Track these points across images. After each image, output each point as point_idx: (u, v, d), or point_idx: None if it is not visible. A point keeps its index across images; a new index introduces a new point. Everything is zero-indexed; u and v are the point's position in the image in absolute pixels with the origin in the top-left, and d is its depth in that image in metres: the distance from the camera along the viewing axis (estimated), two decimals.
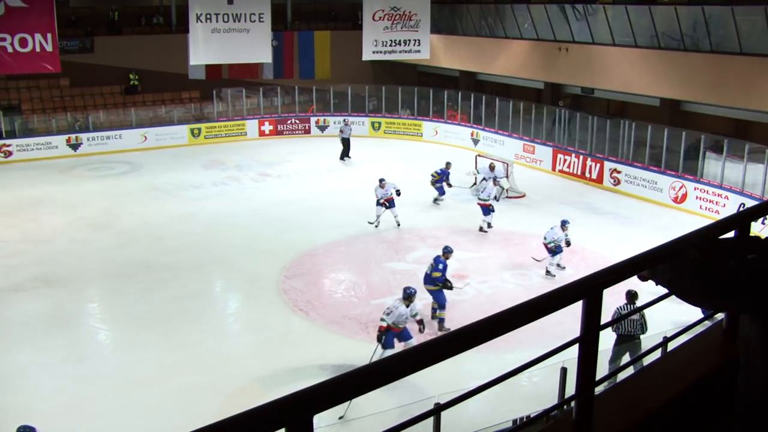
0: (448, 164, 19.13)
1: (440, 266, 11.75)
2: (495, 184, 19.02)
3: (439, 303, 11.86)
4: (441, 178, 18.79)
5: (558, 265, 13.96)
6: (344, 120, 25.67)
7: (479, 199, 16.93)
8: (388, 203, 16.72)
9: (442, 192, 18.89)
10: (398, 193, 16.76)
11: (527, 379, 9.58)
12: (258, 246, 15.79)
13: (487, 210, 16.67)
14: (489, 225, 16.70)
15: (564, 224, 13.87)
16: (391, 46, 24.40)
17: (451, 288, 11.84)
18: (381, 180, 16.96)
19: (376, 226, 16.78)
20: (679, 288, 2.04)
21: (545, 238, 13.86)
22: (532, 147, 23.12)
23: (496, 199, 19.21)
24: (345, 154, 23.99)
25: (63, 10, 25.52)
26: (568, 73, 23.12)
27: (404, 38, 24.47)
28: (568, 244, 13.86)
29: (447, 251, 12.06)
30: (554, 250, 13.80)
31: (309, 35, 26.45)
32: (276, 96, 27.85)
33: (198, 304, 13.04)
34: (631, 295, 9.71)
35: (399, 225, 16.86)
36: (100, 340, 12.23)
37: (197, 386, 10.06)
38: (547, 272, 14.02)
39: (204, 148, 25.64)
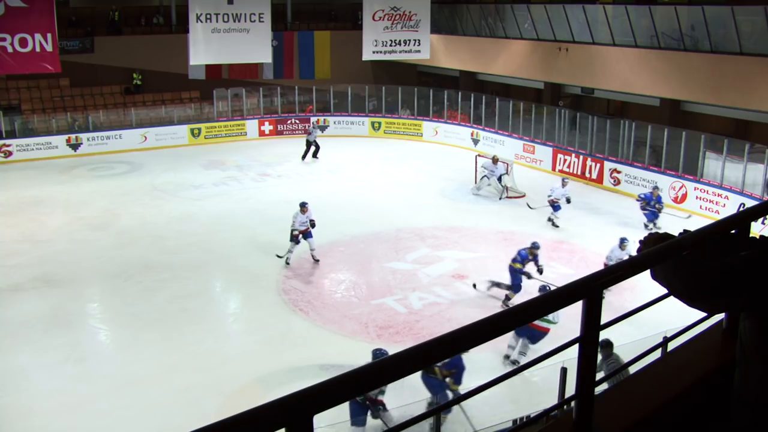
0: (655, 189, 17.23)
1: (518, 257, 12.71)
2: (500, 178, 19.28)
3: (512, 284, 12.73)
4: (648, 203, 16.93)
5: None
6: (313, 121, 25.53)
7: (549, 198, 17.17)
8: (304, 234, 14.52)
9: (654, 216, 16.92)
10: (313, 224, 14.49)
11: (527, 379, 9.57)
12: (258, 246, 15.79)
13: (557, 207, 17.00)
14: (553, 222, 17.07)
15: (622, 242, 13.10)
16: (391, 46, 24.41)
17: (529, 277, 12.69)
18: (303, 204, 14.56)
19: (288, 263, 14.51)
20: (675, 288, 2.04)
21: (608, 258, 13.29)
22: (532, 147, 23.12)
23: (500, 199, 19.24)
24: (306, 154, 23.68)
25: (63, 10, 25.54)
26: (568, 73, 23.12)
27: (404, 38, 24.48)
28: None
29: (532, 246, 12.78)
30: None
31: (309, 35, 26.46)
32: (276, 96, 27.86)
33: (198, 304, 13.04)
34: (604, 346, 8.40)
35: (318, 261, 14.69)
36: (100, 340, 12.23)
37: (197, 386, 10.06)
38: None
39: (204, 148, 25.64)
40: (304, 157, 23.76)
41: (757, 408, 1.96)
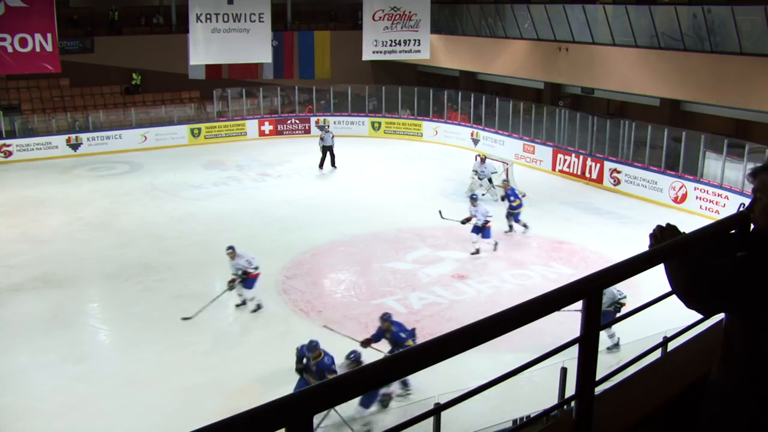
0: (506, 182, 16.66)
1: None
2: (485, 178, 19.38)
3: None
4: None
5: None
6: (323, 126, 24.64)
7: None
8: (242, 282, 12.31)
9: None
10: (246, 273, 12.26)
11: (527, 379, 9.57)
12: (258, 246, 15.75)
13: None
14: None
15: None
16: (391, 46, 24.40)
17: None
18: (230, 248, 12.41)
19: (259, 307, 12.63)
20: (677, 287, 2.03)
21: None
22: (532, 147, 23.12)
23: (496, 200, 19.18)
24: (324, 162, 22.28)
25: (63, 10, 25.53)
26: (568, 73, 23.12)
27: (404, 38, 24.47)
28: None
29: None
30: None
31: (309, 35, 26.45)
32: (276, 96, 27.86)
33: (198, 304, 13.02)
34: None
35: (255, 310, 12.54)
36: (100, 340, 12.23)
37: (197, 386, 10.06)
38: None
39: (204, 148, 25.64)
40: (322, 165, 22.35)
41: (737, 400, 1.95)
